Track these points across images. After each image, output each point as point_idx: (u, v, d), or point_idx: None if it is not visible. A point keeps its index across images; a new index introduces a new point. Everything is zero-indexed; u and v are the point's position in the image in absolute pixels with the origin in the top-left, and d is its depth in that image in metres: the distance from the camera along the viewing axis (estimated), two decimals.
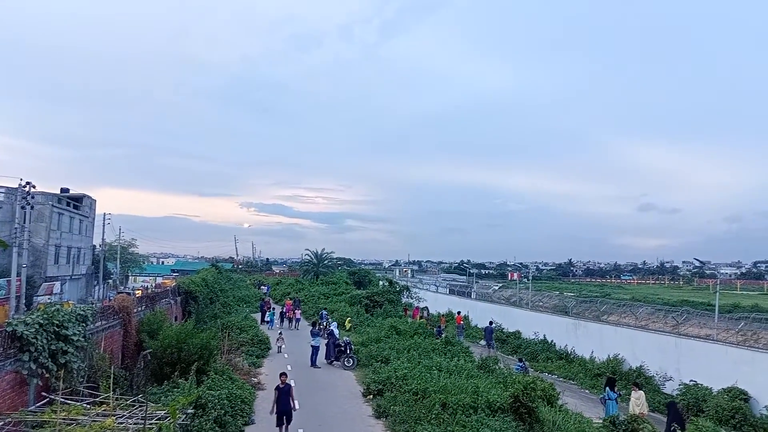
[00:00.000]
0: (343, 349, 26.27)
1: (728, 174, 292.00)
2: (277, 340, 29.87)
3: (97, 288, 66.95)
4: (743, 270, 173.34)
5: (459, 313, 43.68)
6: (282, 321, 40.02)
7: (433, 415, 15.84)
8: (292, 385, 16.38)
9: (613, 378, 22.27)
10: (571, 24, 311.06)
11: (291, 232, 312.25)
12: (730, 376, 23.43)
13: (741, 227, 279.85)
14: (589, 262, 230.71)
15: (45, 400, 13.66)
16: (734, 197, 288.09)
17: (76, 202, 61.33)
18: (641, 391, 19.30)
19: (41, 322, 13.67)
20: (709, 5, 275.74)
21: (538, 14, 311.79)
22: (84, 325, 15.82)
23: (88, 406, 13.46)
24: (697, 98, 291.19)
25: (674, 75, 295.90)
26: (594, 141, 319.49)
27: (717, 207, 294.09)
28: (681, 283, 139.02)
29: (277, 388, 15.41)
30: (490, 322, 37.61)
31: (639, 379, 25.98)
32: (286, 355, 28.08)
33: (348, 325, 36.73)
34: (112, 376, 15.28)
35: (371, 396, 20.02)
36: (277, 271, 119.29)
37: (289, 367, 25.26)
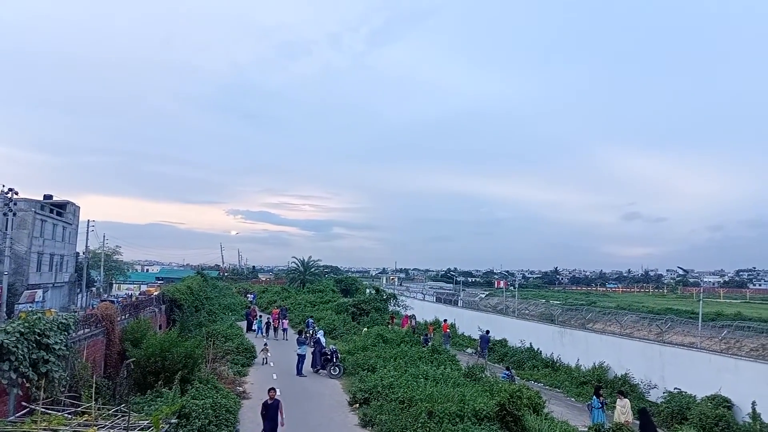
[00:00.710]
0: (329, 357, 26.15)
1: (712, 184, 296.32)
2: (262, 350, 29.11)
3: (80, 296, 66.08)
4: (726, 278, 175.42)
5: (446, 321, 43.69)
6: (268, 331, 38.26)
7: (420, 424, 15.79)
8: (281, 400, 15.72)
9: (599, 386, 22.37)
10: (559, 33, 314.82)
11: (278, 239, 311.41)
12: (714, 384, 23.64)
13: (724, 236, 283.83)
14: (575, 270, 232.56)
15: (25, 410, 13.42)
16: (718, 207, 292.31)
17: (59, 209, 60.67)
18: (626, 399, 19.38)
19: (22, 330, 13.44)
20: (697, 17, 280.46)
21: (526, 23, 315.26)
22: (66, 333, 15.59)
23: (70, 416, 13.25)
24: (683, 109, 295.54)
25: (661, 86, 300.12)
26: (581, 150, 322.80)
27: (701, 216, 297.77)
28: (665, 291, 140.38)
29: (265, 403, 14.81)
30: (487, 332, 37.74)
31: (624, 386, 26.11)
32: (272, 364, 27.88)
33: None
34: (94, 385, 15.08)
35: (357, 405, 19.93)
36: (264, 279, 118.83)
37: (274, 376, 25.11)
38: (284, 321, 40.04)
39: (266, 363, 28.09)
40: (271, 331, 38.53)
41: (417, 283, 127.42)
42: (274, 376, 25.09)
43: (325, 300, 54.44)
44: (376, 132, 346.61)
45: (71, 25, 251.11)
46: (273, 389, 15.47)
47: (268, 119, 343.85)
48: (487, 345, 36.50)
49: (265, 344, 30.20)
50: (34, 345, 13.80)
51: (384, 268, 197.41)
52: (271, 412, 14.62)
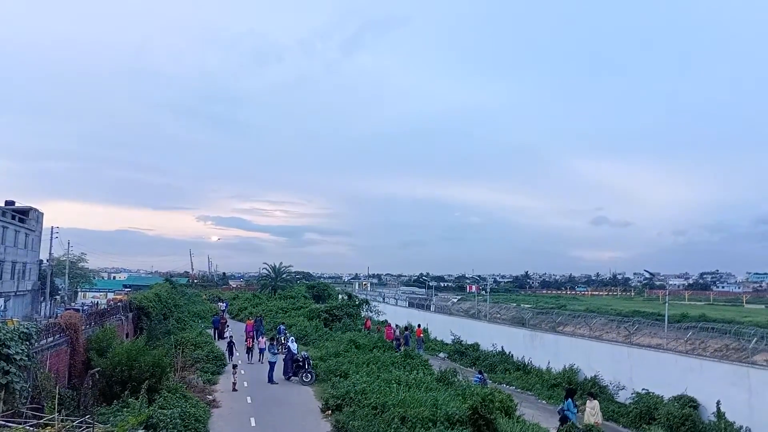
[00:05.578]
0: (301, 364, 25.90)
1: (675, 189, 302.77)
2: (233, 373, 24.71)
3: (43, 305, 64.25)
4: (691, 281, 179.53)
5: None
6: (231, 353, 30.66)
7: (393, 429, 15.75)
8: None
9: (572, 388, 22.55)
10: (527, 41, 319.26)
11: (249, 245, 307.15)
12: (680, 384, 24.16)
13: (688, 240, 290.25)
14: (545, 274, 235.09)
15: None
16: (681, 212, 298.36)
17: (21, 215, 58.93)
18: (596, 401, 19.62)
19: None
20: (663, 25, 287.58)
21: (495, 33, 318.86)
22: (28, 343, 15.13)
23: (32, 428, 12.83)
24: (646, 117, 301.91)
25: (625, 94, 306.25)
26: (549, 156, 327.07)
27: (666, 221, 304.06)
28: (632, 294, 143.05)
29: None
30: (406, 328, 38.24)
31: (594, 388, 26.49)
32: (242, 372, 27.42)
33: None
34: (57, 396, 14.66)
35: (330, 411, 19.75)
36: (234, 286, 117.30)
37: (245, 384, 24.75)
38: (261, 339, 31.69)
39: (236, 389, 23.62)
40: (238, 352, 31.44)
41: (390, 288, 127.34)
42: (245, 384, 24.74)
43: (297, 306, 53.95)
44: (348, 138, 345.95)
45: (34, 27, 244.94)
46: None
47: (239, 125, 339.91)
48: (408, 340, 36.13)
49: (235, 366, 25.99)
50: None
51: (356, 274, 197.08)
52: None
